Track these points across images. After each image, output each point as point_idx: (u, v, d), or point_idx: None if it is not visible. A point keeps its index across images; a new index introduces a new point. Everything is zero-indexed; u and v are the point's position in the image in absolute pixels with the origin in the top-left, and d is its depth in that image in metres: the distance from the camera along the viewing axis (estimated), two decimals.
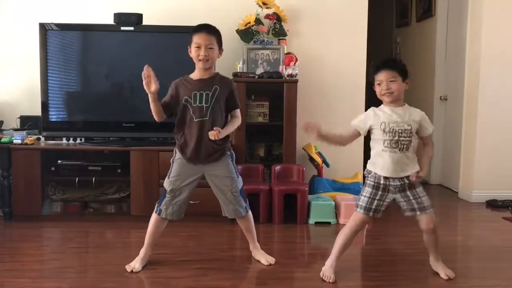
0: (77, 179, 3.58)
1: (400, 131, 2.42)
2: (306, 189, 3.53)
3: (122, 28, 3.63)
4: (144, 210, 3.48)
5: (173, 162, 2.66)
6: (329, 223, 3.52)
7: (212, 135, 2.49)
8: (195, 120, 2.55)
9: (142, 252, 2.67)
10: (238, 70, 3.81)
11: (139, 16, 3.67)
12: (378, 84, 2.45)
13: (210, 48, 2.55)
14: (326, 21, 4.10)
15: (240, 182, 2.68)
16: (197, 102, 2.55)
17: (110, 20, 3.68)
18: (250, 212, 2.76)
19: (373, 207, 2.47)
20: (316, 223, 3.52)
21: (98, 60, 3.73)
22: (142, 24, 3.69)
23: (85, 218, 3.62)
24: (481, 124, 4.23)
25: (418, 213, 2.50)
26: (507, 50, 4.18)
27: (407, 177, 2.46)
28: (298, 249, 3.15)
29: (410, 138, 2.44)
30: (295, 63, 3.80)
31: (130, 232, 3.34)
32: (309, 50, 4.08)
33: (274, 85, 3.79)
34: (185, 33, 3.62)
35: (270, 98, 3.88)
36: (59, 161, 3.62)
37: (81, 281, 2.48)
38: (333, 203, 3.57)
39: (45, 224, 3.48)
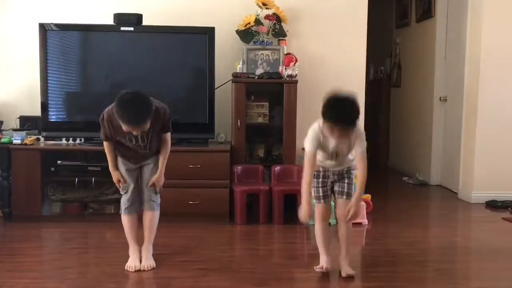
0: (76, 179, 3.57)
1: (337, 151, 2.54)
2: None
3: (122, 28, 3.62)
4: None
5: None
6: (328, 223, 3.51)
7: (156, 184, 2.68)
8: (132, 147, 2.59)
9: (131, 250, 2.69)
10: (238, 71, 3.81)
11: (139, 17, 3.67)
12: (331, 128, 2.44)
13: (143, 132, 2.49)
14: (326, 21, 4.10)
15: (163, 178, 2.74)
16: (133, 142, 2.58)
17: (110, 21, 3.68)
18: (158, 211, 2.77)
19: (321, 194, 2.62)
20: None
21: (98, 60, 3.73)
22: (142, 24, 3.68)
23: (85, 219, 3.61)
24: (480, 125, 4.23)
25: (344, 197, 2.60)
26: (507, 50, 4.18)
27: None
28: (298, 249, 3.15)
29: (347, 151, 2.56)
30: (294, 64, 3.80)
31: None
32: (309, 50, 4.08)
33: (274, 86, 3.79)
34: (184, 33, 3.69)
35: (269, 98, 3.87)
36: (58, 161, 3.61)
37: (81, 281, 2.48)
38: (333, 203, 3.55)
39: (44, 224, 3.48)
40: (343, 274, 2.57)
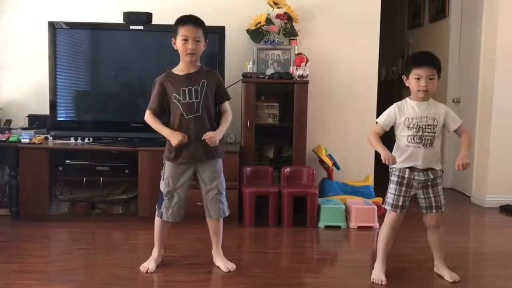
0: (84, 179, 3.54)
1: (424, 126, 2.42)
2: (316, 192, 3.48)
3: (132, 27, 3.59)
4: (152, 211, 3.38)
5: (164, 162, 2.59)
6: (339, 227, 3.46)
7: (210, 143, 2.45)
8: (187, 117, 2.48)
9: (155, 252, 2.64)
10: (248, 71, 3.77)
11: (149, 15, 3.64)
12: (417, 78, 2.40)
13: (198, 41, 2.48)
14: (337, 21, 4.04)
15: (224, 181, 2.64)
16: (187, 99, 2.48)
17: (119, 19, 3.65)
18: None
19: (400, 204, 2.49)
20: (326, 227, 3.45)
21: (107, 59, 3.70)
22: (152, 23, 3.64)
23: (92, 219, 3.59)
24: (495, 127, 4.14)
25: (434, 211, 2.51)
26: None
27: (432, 171, 2.45)
28: (308, 253, 3.10)
29: (433, 134, 2.42)
30: (306, 64, 3.75)
31: (137, 233, 3.31)
32: (320, 50, 4.02)
33: (284, 86, 3.74)
34: None
35: (280, 99, 3.82)
36: (67, 161, 3.60)
37: (87, 283, 2.44)
38: (344, 206, 3.51)
39: (52, 224, 3.45)
40: (449, 280, 2.52)
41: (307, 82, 3.67)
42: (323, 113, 4.05)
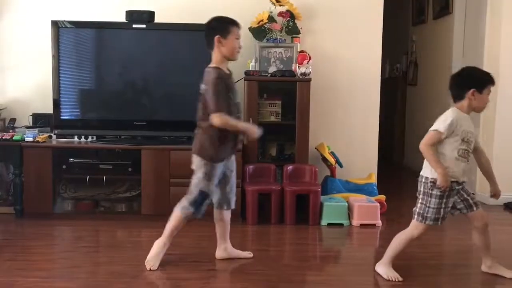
0: (88, 177, 3.56)
1: (471, 141, 2.45)
2: (319, 189, 3.48)
3: (134, 25, 3.59)
4: (155, 209, 3.46)
5: (209, 163, 2.54)
6: (341, 224, 3.46)
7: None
8: (234, 109, 2.55)
9: (165, 246, 2.63)
10: (251, 69, 3.77)
11: (151, 14, 3.64)
12: (488, 94, 2.46)
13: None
14: (340, 18, 4.03)
15: None
16: (236, 99, 2.58)
17: (122, 18, 3.66)
18: None
19: (441, 215, 2.45)
20: (329, 224, 3.46)
21: (110, 57, 3.71)
22: (154, 21, 3.65)
23: (96, 217, 3.60)
24: (499, 125, 4.13)
25: (475, 208, 2.51)
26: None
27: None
28: (310, 251, 3.10)
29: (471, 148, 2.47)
30: (308, 62, 3.74)
31: (141, 231, 3.33)
32: (323, 48, 4.02)
33: (287, 84, 3.74)
34: (197, 31, 3.63)
35: (282, 97, 3.82)
36: (70, 159, 3.61)
37: (90, 281, 2.46)
38: (346, 204, 3.51)
39: (56, 222, 3.47)
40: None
41: (309, 80, 3.67)
42: (325, 111, 4.05)
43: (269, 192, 3.47)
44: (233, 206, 2.71)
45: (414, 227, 2.51)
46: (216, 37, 2.50)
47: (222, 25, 2.54)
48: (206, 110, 2.50)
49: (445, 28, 5.09)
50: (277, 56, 3.89)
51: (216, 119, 2.44)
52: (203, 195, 2.55)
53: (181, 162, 3.44)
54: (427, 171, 2.46)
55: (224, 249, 2.73)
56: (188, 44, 3.66)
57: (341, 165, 3.86)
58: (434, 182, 2.42)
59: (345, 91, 4.09)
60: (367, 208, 3.47)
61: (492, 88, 2.45)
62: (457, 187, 2.46)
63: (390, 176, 5.29)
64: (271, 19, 3.83)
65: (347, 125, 4.10)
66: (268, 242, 3.20)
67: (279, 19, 3.87)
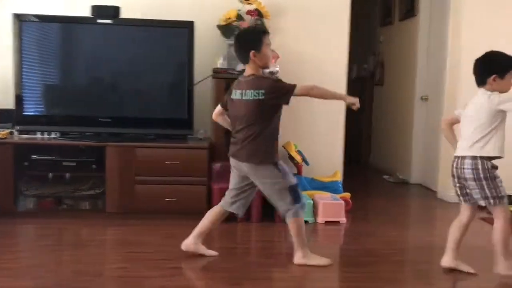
0: (51, 174, 3.48)
1: None
2: None
3: (99, 21, 3.54)
4: (120, 207, 3.42)
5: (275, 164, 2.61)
6: (307, 221, 3.48)
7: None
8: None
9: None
10: (219, 66, 3.75)
11: (117, 9, 3.59)
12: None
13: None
14: (308, 18, 4.06)
15: None
16: None
17: (87, 13, 3.59)
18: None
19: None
20: None
21: (75, 53, 3.65)
22: (120, 17, 3.60)
23: (59, 215, 3.52)
24: (459, 125, 4.23)
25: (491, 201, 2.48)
26: (487, 51, 4.19)
27: None
28: (276, 248, 3.12)
29: None
30: (276, 61, 3.76)
31: (105, 229, 3.28)
32: (291, 47, 4.04)
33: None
34: (164, 27, 3.62)
35: None
36: (33, 156, 3.52)
37: (53, 280, 2.40)
38: (312, 201, 3.54)
39: (18, 220, 3.39)
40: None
41: None
42: (293, 110, 4.03)
43: None
44: (240, 213, 2.74)
45: (500, 213, 2.49)
46: (253, 51, 2.55)
47: (259, 36, 2.62)
48: (260, 116, 2.54)
49: (410, 29, 5.20)
50: None
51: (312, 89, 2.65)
52: (296, 187, 2.60)
53: (147, 160, 3.42)
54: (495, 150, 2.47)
55: (194, 242, 2.72)
56: (155, 40, 3.63)
57: (307, 163, 3.90)
58: (493, 166, 2.47)
59: None
60: (332, 206, 3.52)
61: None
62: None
63: (356, 174, 5.37)
64: (239, 17, 3.83)
65: (313, 124, 4.14)
66: (234, 239, 3.20)
67: (248, 18, 3.87)
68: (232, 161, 2.65)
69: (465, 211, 2.63)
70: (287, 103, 2.57)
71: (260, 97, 2.51)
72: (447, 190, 4.34)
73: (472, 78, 4.17)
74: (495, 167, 2.49)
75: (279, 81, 2.60)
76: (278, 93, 2.54)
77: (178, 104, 3.64)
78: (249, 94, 2.53)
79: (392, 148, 5.59)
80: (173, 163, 3.40)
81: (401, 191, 4.87)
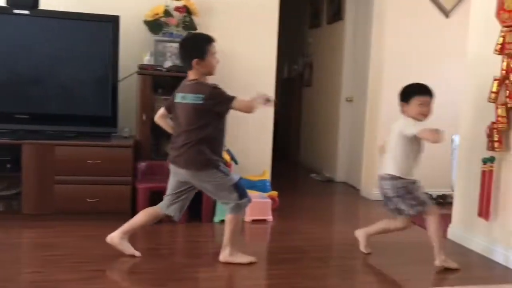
0: None
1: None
2: None
3: (15, 11, 3.33)
4: (38, 208, 3.24)
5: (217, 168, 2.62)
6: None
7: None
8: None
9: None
10: (145, 63, 3.66)
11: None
12: (421, 104, 2.71)
13: None
14: (237, 17, 4.07)
15: None
16: None
17: (2, 2, 3.37)
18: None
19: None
20: (222, 221, 3.45)
21: None
22: (39, 8, 3.41)
23: None
24: (382, 125, 4.42)
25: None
26: (407, 56, 4.42)
27: None
28: (202, 248, 3.09)
29: None
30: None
31: (21, 232, 3.09)
32: (220, 46, 3.97)
33: (183, 80, 3.68)
34: (87, 20, 3.48)
35: None
36: None
37: None
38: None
39: None
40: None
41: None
42: None
43: (162, 190, 3.39)
44: (176, 217, 2.72)
45: (431, 215, 2.73)
46: (195, 61, 2.56)
47: (204, 44, 2.61)
48: (199, 121, 2.55)
49: (337, 33, 5.36)
50: (174, 51, 3.82)
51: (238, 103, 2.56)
52: (237, 184, 2.63)
53: (67, 159, 3.27)
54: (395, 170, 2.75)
55: (120, 237, 2.65)
56: (77, 34, 3.48)
57: (236, 162, 3.90)
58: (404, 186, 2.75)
59: (242, 89, 4.09)
60: (259, 204, 3.54)
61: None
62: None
63: (285, 172, 5.47)
64: (167, 13, 3.76)
65: (243, 123, 4.14)
66: (159, 240, 3.13)
67: (176, 14, 3.82)
68: (172, 167, 2.63)
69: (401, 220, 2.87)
70: (224, 111, 2.59)
71: (199, 102, 2.52)
72: (369, 188, 4.53)
73: (393, 81, 4.41)
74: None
75: (217, 88, 2.60)
76: (216, 100, 2.55)
77: (102, 101, 3.51)
78: (189, 98, 2.55)
79: (319, 147, 5.74)
80: (95, 162, 3.27)
81: (327, 189, 5.00)
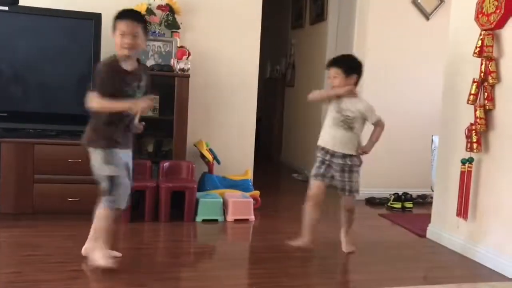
0: None
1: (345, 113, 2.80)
2: (195, 186, 3.47)
3: None
4: (16, 208, 3.20)
5: (106, 149, 2.47)
6: (216, 220, 3.50)
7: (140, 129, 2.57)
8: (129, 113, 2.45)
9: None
10: None
11: None
12: (328, 77, 2.82)
13: (135, 36, 2.43)
14: (220, 16, 4.06)
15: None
16: (135, 91, 2.47)
17: None
18: None
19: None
20: (204, 220, 3.47)
21: None
22: (19, 4, 3.36)
23: None
24: (365, 129, 4.47)
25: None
26: (388, 57, 4.47)
27: (349, 157, 2.80)
28: (184, 247, 3.08)
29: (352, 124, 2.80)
30: (187, 58, 3.73)
31: None
32: (203, 45, 4.02)
33: (165, 79, 3.68)
34: (68, 18, 3.43)
35: (160, 91, 3.74)
36: None
37: None
38: (221, 200, 3.55)
39: None
40: (344, 250, 2.95)
41: (188, 76, 3.65)
42: (205, 108, 4.06)
43: (144, 189, 3.38)
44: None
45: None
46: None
47: (113, 21, 2.49)
48: None
49: (320, 33, 5.39)
50: (156, 49, 3.81)
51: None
52: (109, 181, 2.49)
53: (47, 157, 3.23)
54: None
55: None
56: (58, 31, 3.44)
57: (218, 162, 3.90)
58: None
59: (224, 89, 4.13)
60: (241, 204, 3.55)
61: (330, 73, 2.81)
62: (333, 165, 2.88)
63: (267, 172, 5.48)
64: (149, 11, 3.74)
65: (225, 122, 4.15)
66: (141, 240, 3.11)
67: (158, 12, 3.80)
68: None
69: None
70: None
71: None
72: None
73: (374, 82, 4.47)
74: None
75: (99, 73, 2.46)
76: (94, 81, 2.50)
77: (83, 99, 3.46)
78: None
79: (301, 147, 5.77)
80: (76, 161, 3.23)
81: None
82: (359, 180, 2.90)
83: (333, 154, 2.82)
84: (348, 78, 2.77)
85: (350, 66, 2.79)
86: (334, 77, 2.77)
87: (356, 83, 2.82)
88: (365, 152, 2.86)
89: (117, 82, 2.42)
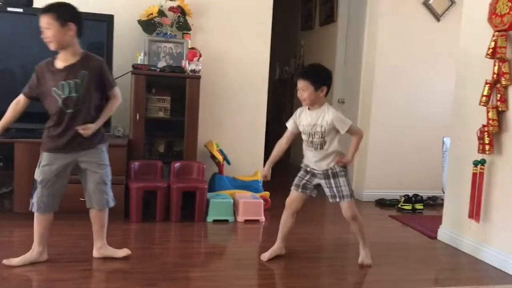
0: None
1: (313, 132, 2.67)
2: (205, 186, 3.49)
3: (9, 9, 3.31)
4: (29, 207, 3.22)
5: (43, 151, 2.48)
6: (227, 220, 3.51)
7: (83, 133, 2.42)
8: (67, 111, 2.41)
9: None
10: (139, 62, 3.67)
11: None
12: (297, 89, 2.69)
13: (47, 28, 2.36)
14: (231, 18, 4.08)
15: (110, 171, 2.61)
16: (66, 93, 2.40)
17: None
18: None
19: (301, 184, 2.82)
20: (214, 221, 3.49)
21: None
22: (33, 6, 3.40)
23: None
24: (373, 127, 4.47)
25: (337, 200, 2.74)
26: (399, 59, 4.47)
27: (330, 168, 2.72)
28: (194, 248, 3.10)
29: (322, 139, 2.68)
30: (198, 59, 3.75)
31: (12, 230, 3.08)
32: (214, 47, 4.04)
33: (176, 80, 3.70)
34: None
35: (172, 93, 3.78)
36: None
37: None
38: (232, 200, 3.56)
39: None
40: (359, 262, 2.80)
41: (199, 77, 3.67)
42: (215, 109, 4.08)
43: (155, 189, 3.41)
44: (98, 206, 2.59)
45: None
46: None
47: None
48: None
49: (330, 35, 5.39)
50: (167, 51, 3.84)
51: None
52: (35, 183, 2.49)
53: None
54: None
55: (98, 248, 2.63)
56: None
57: (229, 163, 3.92)
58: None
59: (235, 90, 4.15)
60: (251, 205, 3.56)
61: (298, 85, 2.70)
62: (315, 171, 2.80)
63: (276, 173, 5.44)
64: (161, 13, 3.77)
65: (235, 123, 4.17)
66: (152, 240, 3.14)
67: (170, 14, 3.82)
68: None
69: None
70: None
71: None
72: (360, 189, 4.56)
73: (385, 83, 4.46)
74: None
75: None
76: None
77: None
78: None
79: None
80: None
81: (318, 189, 5.00)
82: (349, 183, 2.74)
83: (313, 169, 2.79)
84: (317, 91, 2.63)
85: (320, 78, 2.65)
86: (303, 90, 2.64)
87: (326, 94, 2.69)
88: (344, 163, 2.74)
89: (45, 81, 2.43)
